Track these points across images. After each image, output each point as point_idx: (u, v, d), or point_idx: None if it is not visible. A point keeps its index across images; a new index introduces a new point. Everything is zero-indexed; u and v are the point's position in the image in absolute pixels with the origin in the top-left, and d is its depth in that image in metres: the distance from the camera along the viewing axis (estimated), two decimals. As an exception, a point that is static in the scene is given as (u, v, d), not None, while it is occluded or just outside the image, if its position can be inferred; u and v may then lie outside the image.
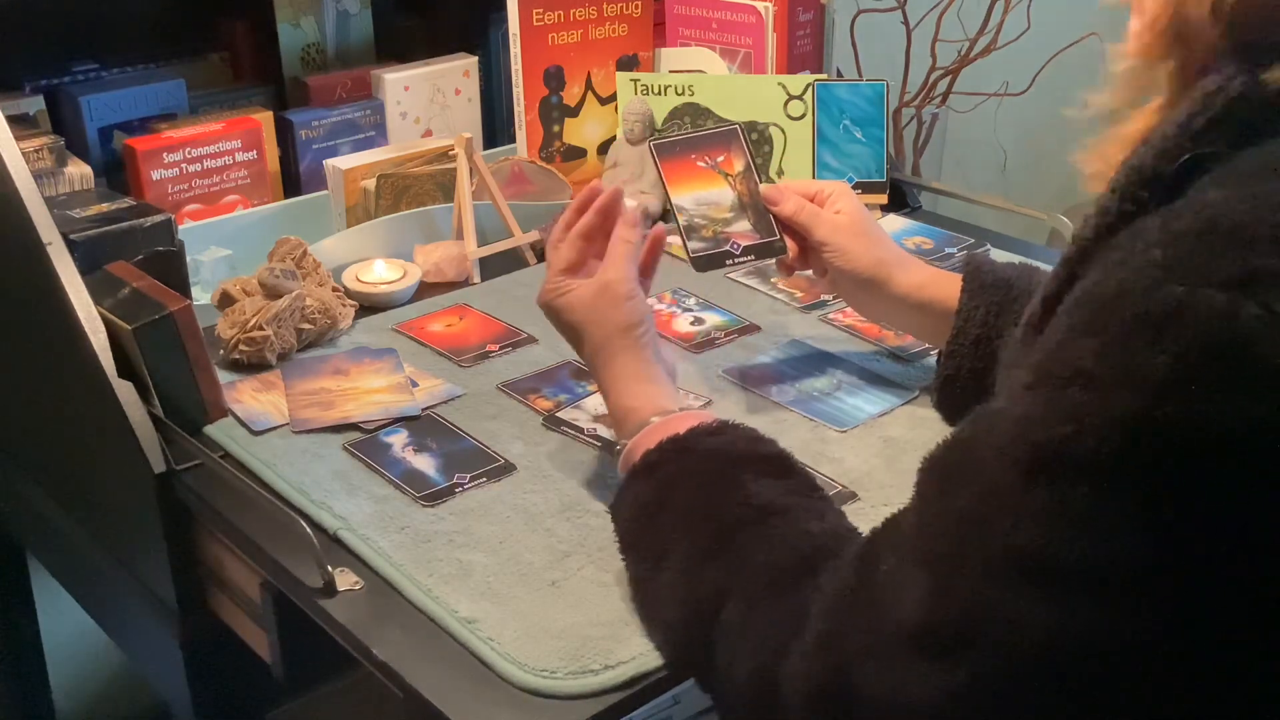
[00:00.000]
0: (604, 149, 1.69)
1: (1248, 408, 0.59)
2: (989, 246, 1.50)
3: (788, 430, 1.15)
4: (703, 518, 0.86)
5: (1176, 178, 0.68)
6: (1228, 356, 0.60)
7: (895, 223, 1.55)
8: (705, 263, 1.15)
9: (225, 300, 1.30)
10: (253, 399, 1.21)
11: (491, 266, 1.49)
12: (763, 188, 1.18)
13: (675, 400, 1.01)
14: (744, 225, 1.16)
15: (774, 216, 1.16)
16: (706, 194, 1.18)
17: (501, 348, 1.31)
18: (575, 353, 1.08)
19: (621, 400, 1.01)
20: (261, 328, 1.24)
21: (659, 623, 0.88)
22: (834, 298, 1.41)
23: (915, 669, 0.68)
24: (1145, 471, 0.61)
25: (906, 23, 2.29)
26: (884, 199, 1.61)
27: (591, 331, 1.03)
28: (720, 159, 1.19)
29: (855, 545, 0.78)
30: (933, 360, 1.23)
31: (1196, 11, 0.69)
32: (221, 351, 1.26)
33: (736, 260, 1.15)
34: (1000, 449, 0.66)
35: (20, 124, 1.45)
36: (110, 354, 1.12)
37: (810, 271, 1.19)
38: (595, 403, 1.20)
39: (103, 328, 1.13)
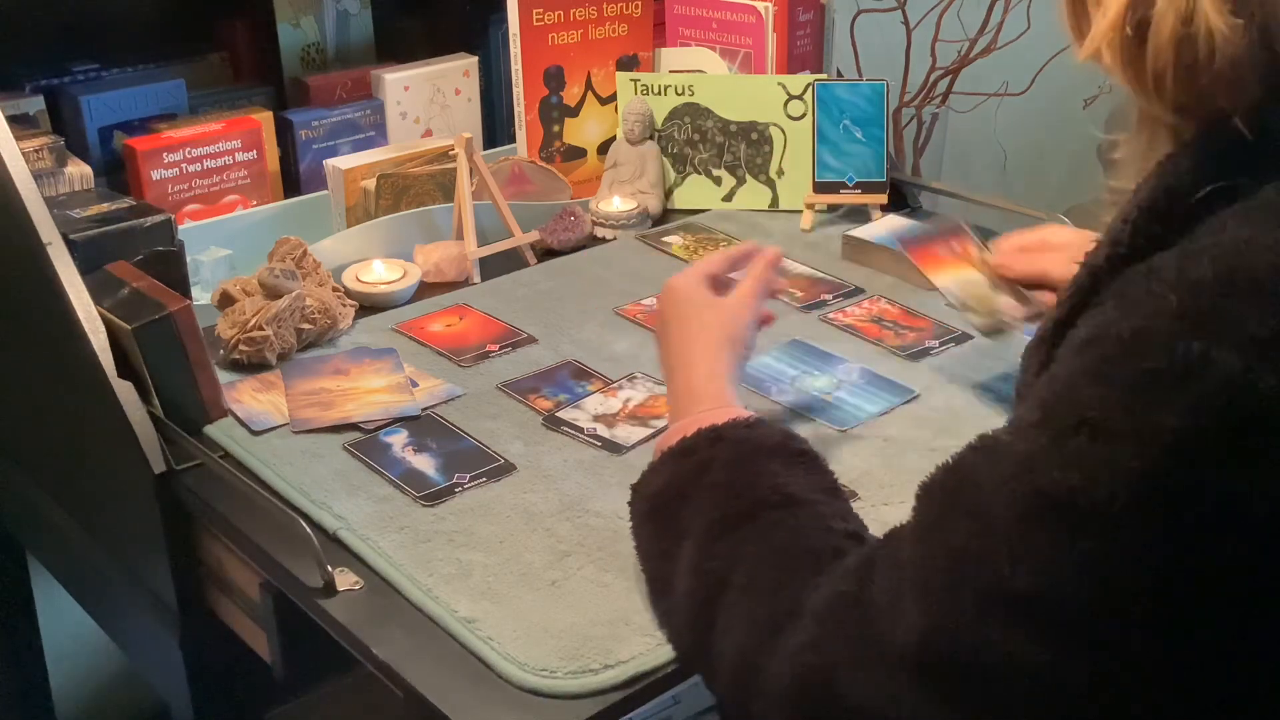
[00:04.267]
0: (604, 149, 1.69)
1: (1257, 479, 0.59)
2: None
3: (788, 430, 1.15)
4: (729, 496, 0.87)
5: (1195, 209, 0.67)
6: (1241, 427, 0.59)
7: (895, 223, 1.55)
8: (996, 334, 1.21)
9: (225, 300, 1.30)
10: (253, 399, 1.21)
11: (491, 266, 1.49)
12: (990, 261, 1.21)
13: (738, 405, 1.00)
14: (1007, 301, 1.20)
15: (1015, 283, 1.20)
16: (964, 276, 1.22)
17: (501, 348, 1.31)
18: (667, 330, 1.07)
19: (695, 385, 1.00)
20: (261, 328, 1.24)
21: (669, 593, 0.88)
22: (834, 297, 1.41)
23: (907, 691, 0.68)
24: (1149, 530, 0.61)
25: (906, 23, 2.29)
26: (884, 199, 1.61)
27: (705, 327, 1.04)
28: (958, 248, 1.24)
29: (859, 553, 0.78)
30: (933, 362, 1.23)
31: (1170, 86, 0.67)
32: (221, 351, 1.26)
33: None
34: (1002, 486, 0.66)
35: (20, 124, 1.44)
36: (110, 354, 1.12)
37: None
38: (595, 403, 1.20)
39: (103, 328, 1.13)
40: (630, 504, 0.96)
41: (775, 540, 0.83)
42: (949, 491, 0.70)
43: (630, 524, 0.96)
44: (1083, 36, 0.72)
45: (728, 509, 0.86)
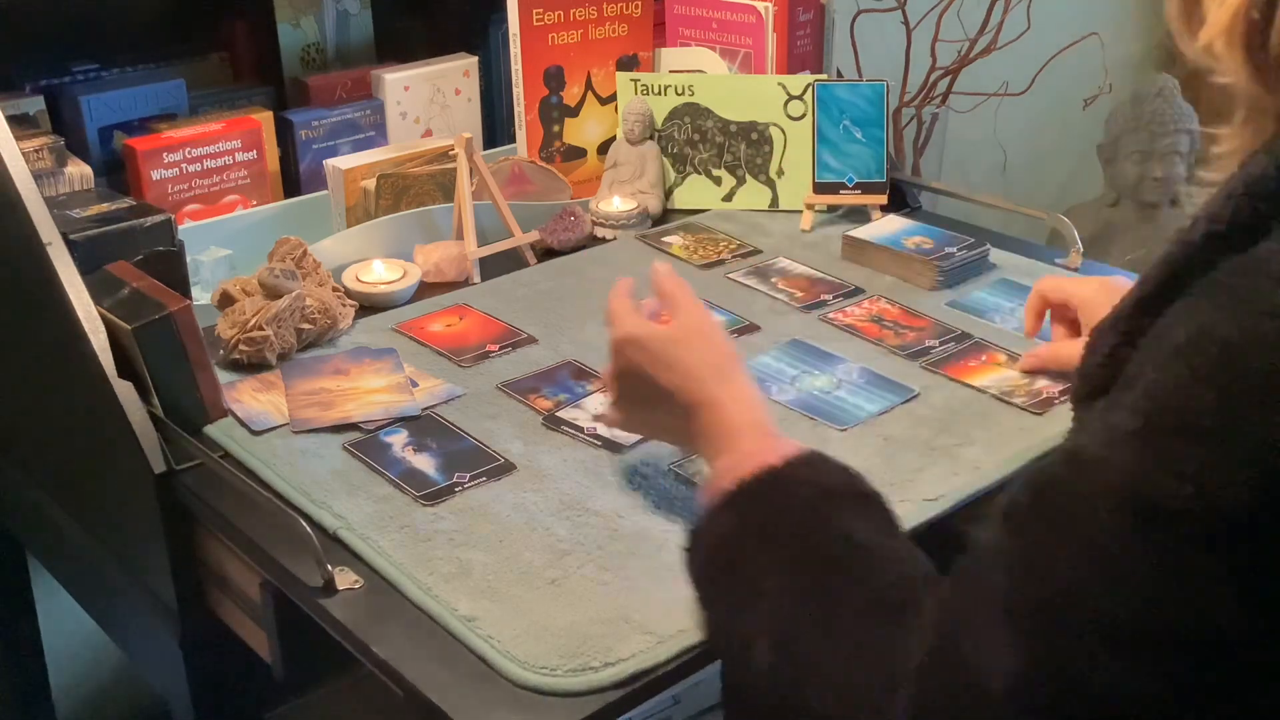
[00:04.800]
0: (604, 149, 1.69)
1: None
2: (989, 246, 1.50)
3: (788, 429, 1.14)
4: (796, 553, 0.81)
5: None
6: None
7: (895, 223, 1.55)
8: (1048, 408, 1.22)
9: (225, 300, 1.30)
10: (253, 399, 1.21)
11: (491, 266, 1.49)
12: (1022, 366, 1.26)
13: (777, 431, 0.95)
14: (1044, 381, 1.24)
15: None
16: (997, 377, 1.25)
17: (501, 348, 1.31)
18: (656, 378, 0.99)
19: (729, 417, 0.94)
20: (261, 328, 1.24)
21: (743, 646, 0.81)
22: (834, 297, 1.41)
23: None
24: (1273, 543, 0.57)
25: (906, 23, 2.29)
26: (884, 199, 1.61)
27: (704, 359, 0.98)
28: (986, 359, 1.28)
29: (937, 598, 0.72)
30: (933, 361, 1.23)
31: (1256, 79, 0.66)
32: (221, 351, 1.26)
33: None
34: (1102, 501, 0.62)
35: (20, 124, 1.44)
36: (110, 354, 1.12)
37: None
38: (595, 402, 1.20)
39: (103, 328, 1.13)
40: (688, 550, 0.88)
41: (853, 596, 0.77)
42: (1041, 514, 0.66)
43: (689, 573, 0.87)
44: (1192, 30, 0.69)
45: (797, 568, 0.80)
